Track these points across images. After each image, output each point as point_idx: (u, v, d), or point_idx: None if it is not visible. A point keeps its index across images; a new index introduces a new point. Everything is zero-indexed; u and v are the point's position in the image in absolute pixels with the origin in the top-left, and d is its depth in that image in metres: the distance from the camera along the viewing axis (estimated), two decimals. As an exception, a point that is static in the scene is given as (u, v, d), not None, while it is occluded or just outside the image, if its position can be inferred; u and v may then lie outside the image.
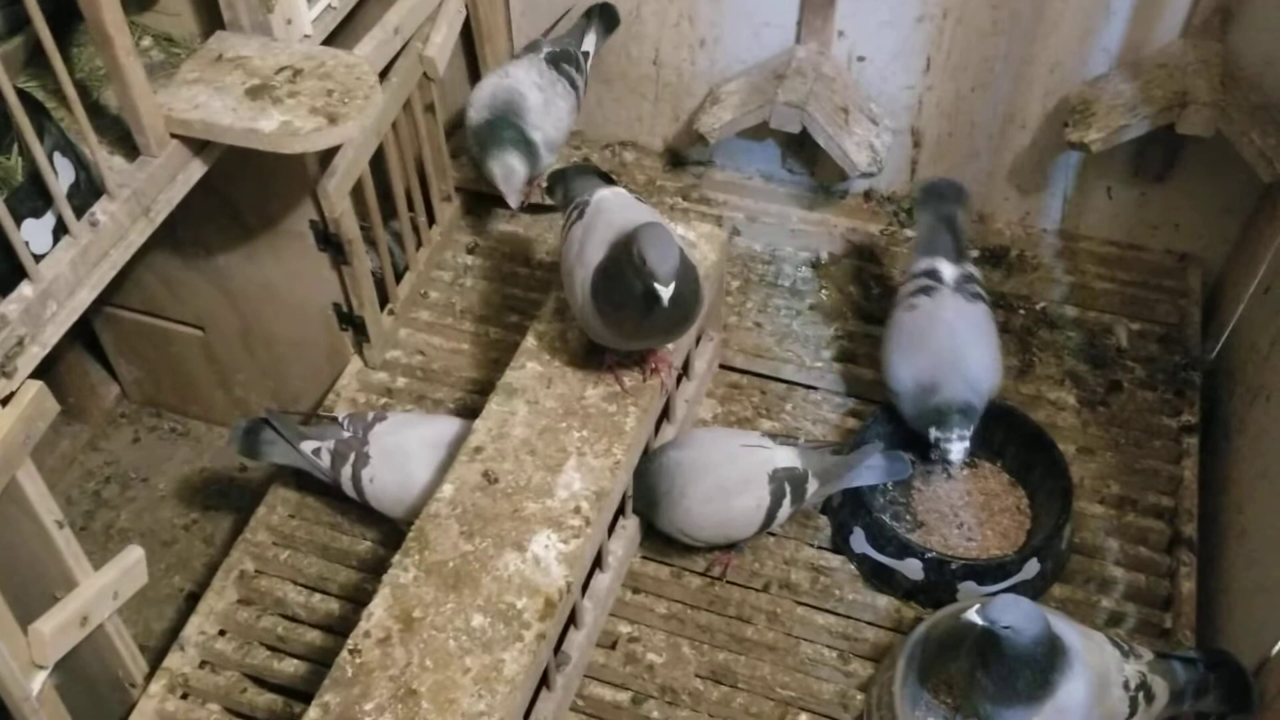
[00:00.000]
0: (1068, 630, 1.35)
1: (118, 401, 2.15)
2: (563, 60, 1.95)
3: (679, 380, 1.77)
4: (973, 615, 1.29)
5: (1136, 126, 1.79)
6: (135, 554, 1.39)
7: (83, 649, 1.36)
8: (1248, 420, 1.74)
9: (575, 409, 1.57)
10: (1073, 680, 1.31)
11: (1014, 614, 1.27)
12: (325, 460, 1.65)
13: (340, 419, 1.68)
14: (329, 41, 1.58)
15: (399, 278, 1.99)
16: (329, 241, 1.73)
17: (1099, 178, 2.01)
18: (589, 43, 2.01)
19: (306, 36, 1.53)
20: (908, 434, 1.72)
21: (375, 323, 1.89)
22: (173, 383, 2.09)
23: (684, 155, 2.22)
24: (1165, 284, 2.01)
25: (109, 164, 1.31)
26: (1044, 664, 1.30)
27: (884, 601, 1.65)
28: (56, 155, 1.28)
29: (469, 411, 1.74)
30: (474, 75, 2.24)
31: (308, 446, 1.65)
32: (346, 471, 1.64)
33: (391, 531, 1.71)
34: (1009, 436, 1.75)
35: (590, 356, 1.61)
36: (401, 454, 1.63)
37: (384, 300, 1.94)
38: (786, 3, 1.96)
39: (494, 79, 1.91)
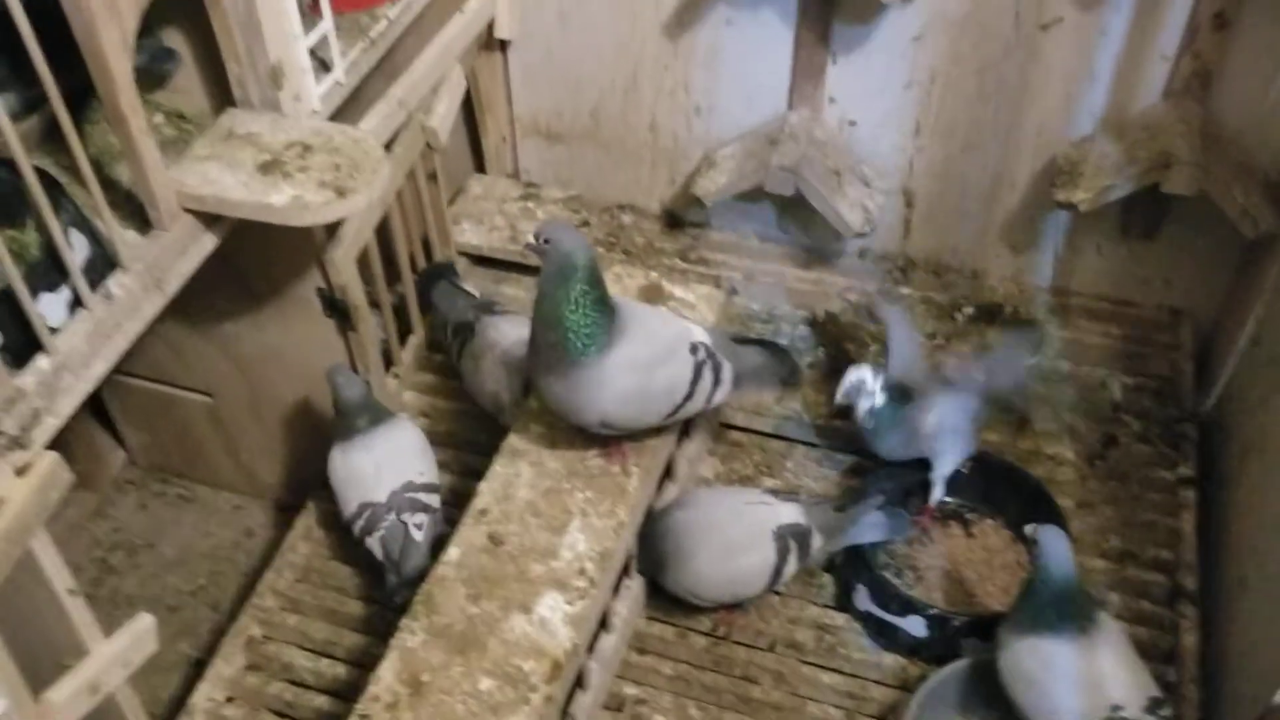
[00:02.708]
0: None
1: (124, 468, 2.17)
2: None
3: (680, 439, 1.79)
4: None
5: (1122, 186, 1.83)
6: (145, 621, 1.39)
7: (93, 718, 1.36)
8: (1244, 472, 1.76)
9: (579, 470, 1.59)
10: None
11: None
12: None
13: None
14: (336, 116, 1.62)
15: (403, 341, 2.03)
16: (335, 308, 1.76)
17: (1088, 235, 2.05)
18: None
19: (315, 112, 1.57)
20: (908, 491, 1.75)
21: (380, 387, 1.91)
22: (180, 449, 2.11)
23: (681, 217, 2.26)
24: (1157, 338, 2.04)
25: (122, 238, 1.34)
26: None
27: (889, 659, 1.66)
28: (72, 230, 1.32)
29: (473, 473, 1.76)
30: (474, 144, 2.30)
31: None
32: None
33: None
34: (1009, 492, 1.77)
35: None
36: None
37: (388, 364, 1.97)
38: (778, 71, 2.02)
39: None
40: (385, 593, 1.66)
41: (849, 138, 2.07)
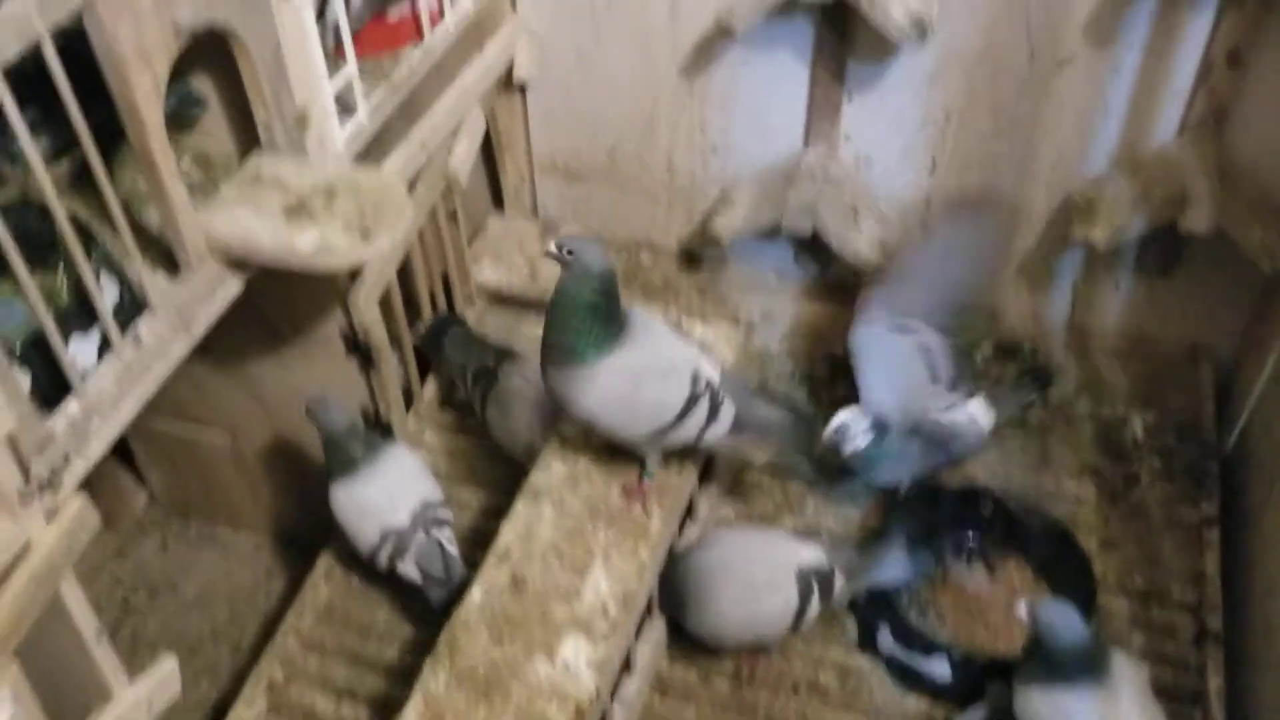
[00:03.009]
0: None
1: (146, 508, 2.17)
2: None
3: (701, 479, 1.79)
4: None
5: (1139, 224, 1.84)
6: (169, 665, 1.39)
7: (116, 761, 1.36)
8: (1267, 510, 1.75)
9: (600, 510, 1.59)
10: None
11: None
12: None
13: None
14: (359, 157, 1.64)
15: (423, 380, 2.03)
16: (358, 349, 1.77)
17: (1106, 272, 2.05)
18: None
19: (339, 154, 1.59)
20: (930, 528, 1.74)
21: (401, 425, 1.92)
22: (202, 489, 2.11)
23: (699, 255, 2.27)
24: (1177, 375, 2.04)
25: (151, 281, 1.35)
26: None
27: (913, 702, 1.64)
28: (102, 273, 1.33)
29: (494, 512, 1.76)
30: (493, 182, 2.32)
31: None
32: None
33: (420, 637, 1.71)
34: (1031, 532, 1.76)
35: (616, 456, 1.64)
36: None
37: (409, 402, 1.98)
38: (794, 109, 2.03)
39: None
40: (433, 607, 1.66)
41: (865, 175, 2.08)
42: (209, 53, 1.46)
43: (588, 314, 1.45)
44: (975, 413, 1.73)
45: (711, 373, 1.55)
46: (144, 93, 1.25)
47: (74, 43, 1.19)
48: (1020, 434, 1.92)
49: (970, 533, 1.78)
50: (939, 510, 1.75)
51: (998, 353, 2.07)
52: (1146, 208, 1.82)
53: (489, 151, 2.24)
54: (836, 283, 2.20)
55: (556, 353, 1.49)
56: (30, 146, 1.14)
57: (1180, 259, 1.99)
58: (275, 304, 1.75)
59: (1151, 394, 2.01)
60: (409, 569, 1.66)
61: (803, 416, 1.65)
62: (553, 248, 1.45)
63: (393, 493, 1.69)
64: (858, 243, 1.98)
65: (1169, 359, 2.07)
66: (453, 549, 1.68)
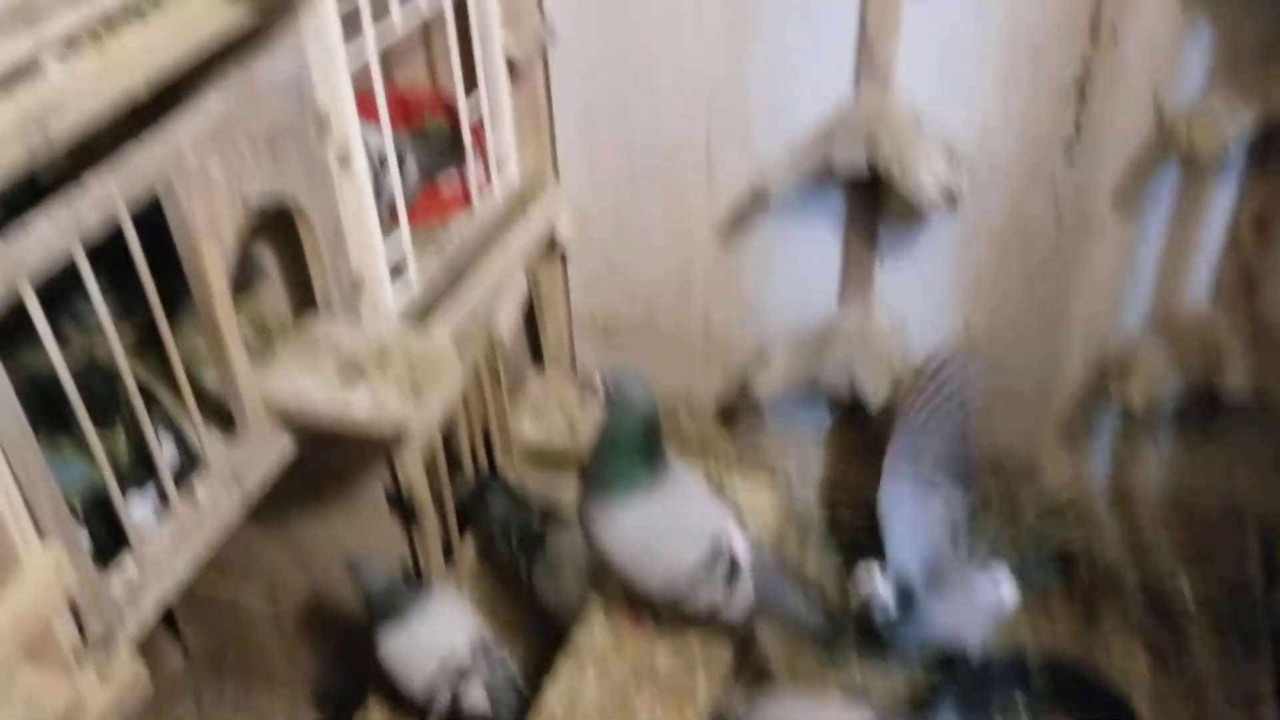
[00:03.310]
0: None
1: (182, 667, 2.16)
2: None
3: (746, 641, 1.77)
4: None
5: (1176, 385, 1.85)
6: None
7: None
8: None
9: (645, 672, 1.57)
10: None
11: None
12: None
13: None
14: (409, 320, 1.69)
15: (462, 534, 2.04)
16: (401, 506, 1.79)
17: (1146, 432, 2.06)
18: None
19: (390, 318, 1.64)
20: (979, 691, 1.70)
21: (441, 581, 1.91)
22: (239, 648, 2.10)
23: (736, 412, 2.30)
24: (1222, 536, 2.02)
25: (208, 441, 1.38)
26: None
27: None
28: (160, 432, 1.37)
29: (534, 671, 1.74)
30: (533, 340, 2.37)
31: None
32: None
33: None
34: (1083, 699, 1.72)
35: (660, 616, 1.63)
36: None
37: (448, 555, 1.98)
38: (828, 270, 2.09)
39: None
40: None
41: (900, 335, 2.11)
42: (270, 221, 1.54)
43: (623, 445, 1.46)
44: (997, 579, 1.72)
45: (739, 546, 1.53)
46: (212, 263, 1.31)
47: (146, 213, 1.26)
48: (1065, 596, 1.90)
49: (1019, 695, 1.74)
50: (988, 673, 1.72)
51: (1040, 516, 2.06)
52: (1182, 370, 1.84)
53: (529, 310, 2.30)
54: (875, 441, 2.20)
55: (588, 481, 1.51)
56: (105, 314, 1.19)
57: (1219, 419, 2.00)
58: (321, 461, 1.77)
59: (1197, 558, 1.99)
60: (477, 698, 1.67)
61: (827, 613, 1.62)
62: (598, 378, 1.48)
63: (450, 627, 1.71)
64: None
65: (1213, 522, 2.05)
66: (517, 674, 1.71)
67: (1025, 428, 2.12)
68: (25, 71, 1.05)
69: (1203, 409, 1.98)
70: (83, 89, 1.09)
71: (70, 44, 1.09)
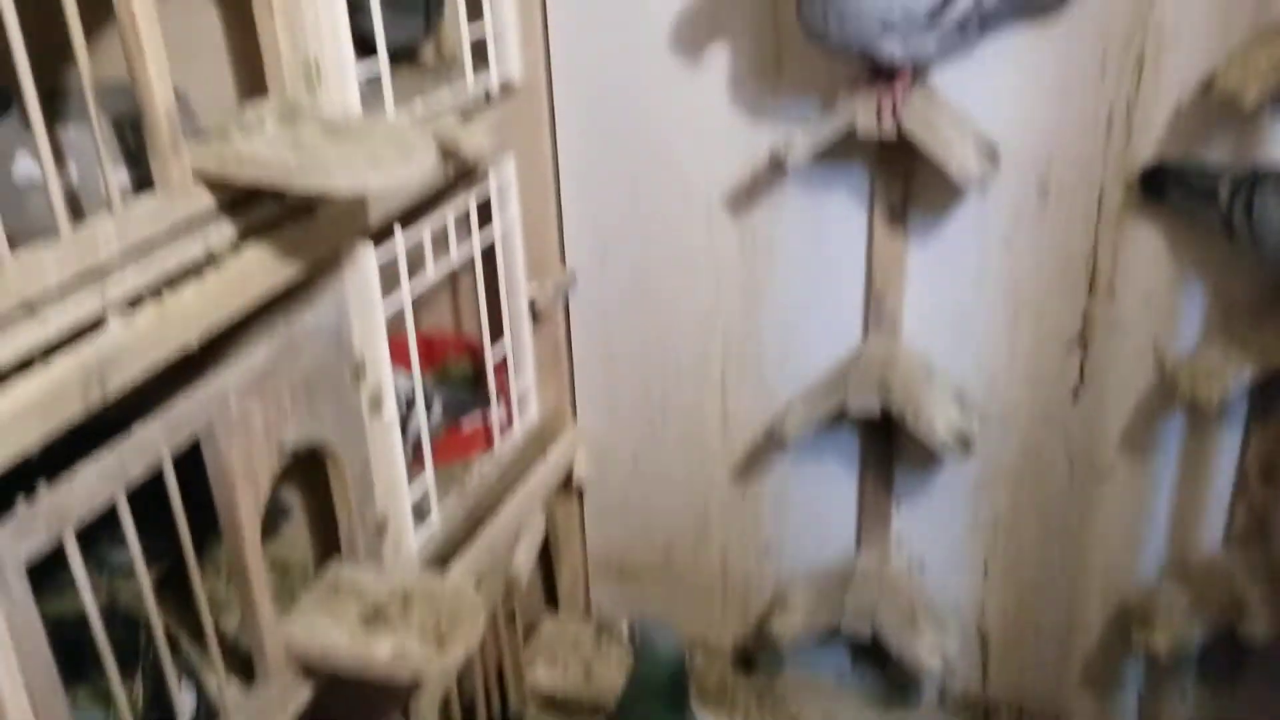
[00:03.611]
0: None
1: None
2: None
3: None
4: None
5: (1199, 632, 1.83)
6: None
7: None
8: None
9: None
10: None
11: None
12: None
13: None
14: (429, 562, 1.69)
15: (471, 790, 1.96)
16: (414, 755, 1.73)
17: (1169, 679, 2.01)
18: None
19: (412, 560, 1.64)
20: None
21: (448, 842, 1.83)
22: None
23: (755, 656, 2.25)
24: (1261, 790, 1.95)
25: (230, 692, 1.36)
26: None
27: None
28: (182, 680, 1.34)
29: None
30: (548, 581, 2.35)
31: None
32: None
33: None
34: None
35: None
36: None
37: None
38: (845, 512, 2.10)
39: None
40: None
41: (920, 579, 2.11)
42: (299, 467, 1.56)
43: (652, 700, 1.43)
44: None
45: None
46: (247, 508, 1.32)
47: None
48: None
49: None
50: None
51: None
52: (1203, 616, 1.82)
53: (545, 550, 2.29)
54: (898, 688, 2.16)
55: None
56: (140, 562, 1.20)
57: (1244, 666, 1.96)
58: (338, 707, 1.73)
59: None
60: None
61: None
62: (625, 628, 1.47)
63: None
64: (919, 649, 1.97)
65: (1249, 772, 1.98)
66: None
67: (1050, 672, 2.08)
68: (89, 328, 1.10)
69: (1227, 656, 1.95)
70: (141, 344, 1.13)
71: (133, 302, 1.15)
